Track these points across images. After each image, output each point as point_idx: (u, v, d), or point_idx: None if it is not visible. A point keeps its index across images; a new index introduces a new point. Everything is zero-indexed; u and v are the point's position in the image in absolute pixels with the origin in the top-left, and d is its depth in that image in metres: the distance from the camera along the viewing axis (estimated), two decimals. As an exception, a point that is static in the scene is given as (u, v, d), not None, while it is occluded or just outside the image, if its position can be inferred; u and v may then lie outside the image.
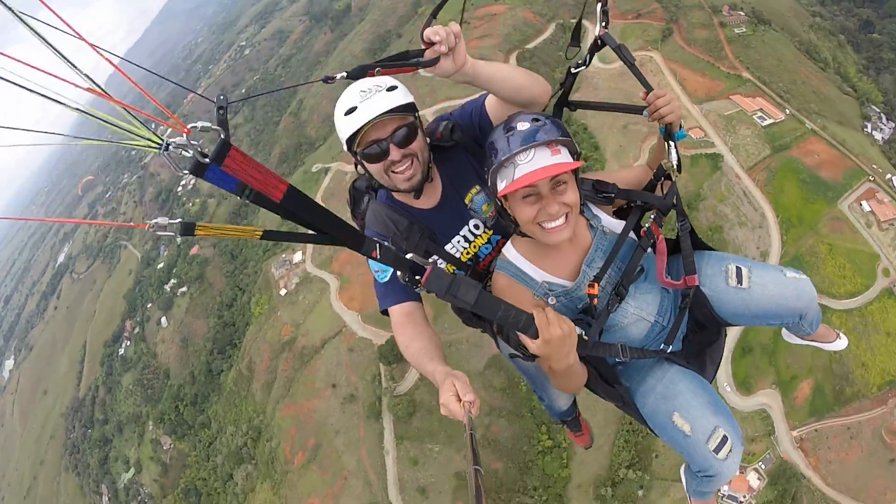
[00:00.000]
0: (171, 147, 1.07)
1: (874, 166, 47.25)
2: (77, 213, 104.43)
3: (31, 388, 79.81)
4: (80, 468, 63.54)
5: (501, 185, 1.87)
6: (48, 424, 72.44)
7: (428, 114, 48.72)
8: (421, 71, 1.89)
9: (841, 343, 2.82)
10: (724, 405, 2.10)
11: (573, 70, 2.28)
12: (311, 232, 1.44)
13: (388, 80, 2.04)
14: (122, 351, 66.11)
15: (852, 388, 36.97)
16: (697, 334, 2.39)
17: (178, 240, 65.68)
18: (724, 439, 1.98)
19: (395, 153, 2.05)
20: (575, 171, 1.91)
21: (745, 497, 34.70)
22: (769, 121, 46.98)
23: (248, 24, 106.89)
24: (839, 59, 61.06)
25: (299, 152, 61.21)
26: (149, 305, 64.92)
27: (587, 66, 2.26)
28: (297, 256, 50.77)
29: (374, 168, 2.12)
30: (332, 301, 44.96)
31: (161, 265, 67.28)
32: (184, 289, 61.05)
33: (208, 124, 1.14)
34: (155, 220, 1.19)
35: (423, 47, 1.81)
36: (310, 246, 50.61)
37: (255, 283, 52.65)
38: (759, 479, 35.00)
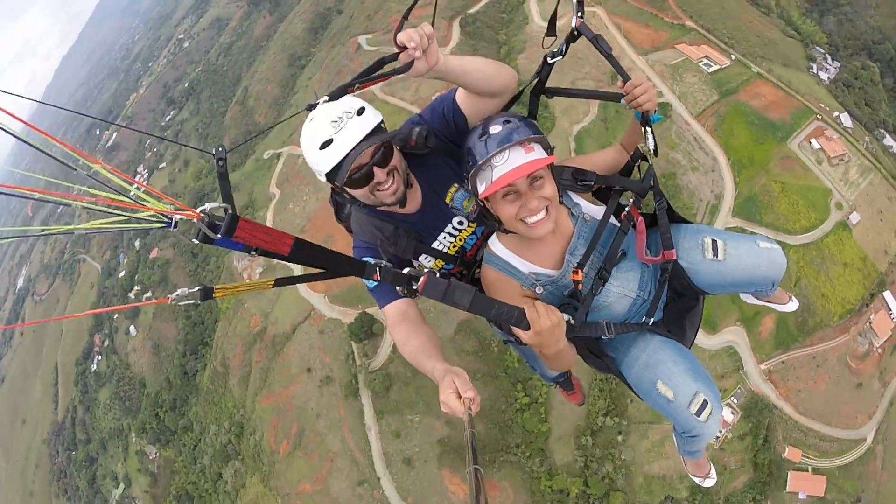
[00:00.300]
0: (178, 224, 1.13)
1: (821, 105, 48.51)
2: (29, 231, 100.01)
3: (9, 421, 77.25)
4: (69, 492, 62.31)
5: (482, 188, 1.94)
6: (31, 454, 70.67)
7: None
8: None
9: (792, 305, 2.96)
10: (704, 371, 2.24)
11: (550, 60, 2.30)
12: (316, 271, 1.54)
13: (356, 103, 2.00)
14: (94, 367, 64.44)
15: (814, 319, 38.39)
16: (677, 302, 2.51)
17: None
18: (705, 403, 2.12)
19: (379, 175, 2.06)
20: (550, 165, 1.97)
21: (721, 431, 36.12)
22: (715, 67, 47.68)
23: (184, 16, 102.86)
24: (782, 4, 62.05)
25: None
26: (115, 316, 63.21)
27: (563, 56, 2.26)
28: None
29: (360, 192, 2.11)
30: (298, 286, 44.28)
31: (122, 273, 65.34)
32: (148, 294, 59.37)
33: (216, 204, 1.18)
34: (176, 293, 1.27)
35: (395, 51, 1.82)
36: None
37: (220, 279, 51.59)
38: (732, 413, 36.37)
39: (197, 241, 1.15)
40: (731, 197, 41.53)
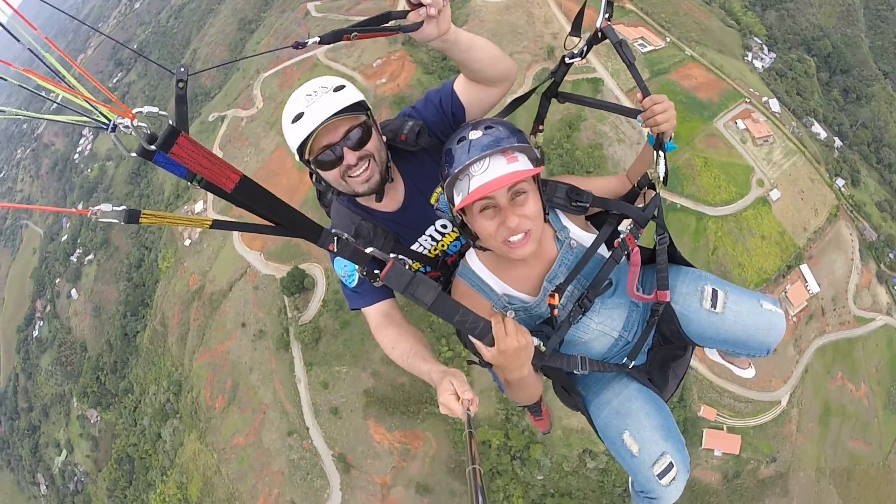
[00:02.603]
0: (118, 127, 1.03)
1: (751, 90, 51.14)
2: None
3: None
4: (12, 463, 61.65)
5: (458, 200, 1.74)
6: (-26, 427, 69.33)
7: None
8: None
9: (749, 372, 2.81)
10: (677, 431, 2.09)
11: (567, 60, 2.16)
12: (264, 222, 1.39)
13: (335, 80, 1.91)
14: (36, 332, 63.34)
15: None
16: (663, 348, 2.34)
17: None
18: (670, 466, 1.97)
19: (350, 157, 1.91)
20: (536, 180, 1.82)
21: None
22: (649, 48, 49.77)
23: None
24: (725, -6, 64.57)
25: (195, 103, 59.41)
26: (57, 280, 62.20)
27: (583, 58, 2.14)
28: (199, 206, 50.19)
29: (330, 175, 1.96)
30: (235, 245, 45.04)
31: (65, 237, 64.25)
32: (90, 257, 58.86)
33: (155, 110, 1.08)
34: (98, 207, 1.13)
35: (407, 8, 1.69)
36: (210, 194, 50.05)
37: (161, 240, 51.50)
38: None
39: (135, 154, 1.06)
40: (654, 168, 43.57)
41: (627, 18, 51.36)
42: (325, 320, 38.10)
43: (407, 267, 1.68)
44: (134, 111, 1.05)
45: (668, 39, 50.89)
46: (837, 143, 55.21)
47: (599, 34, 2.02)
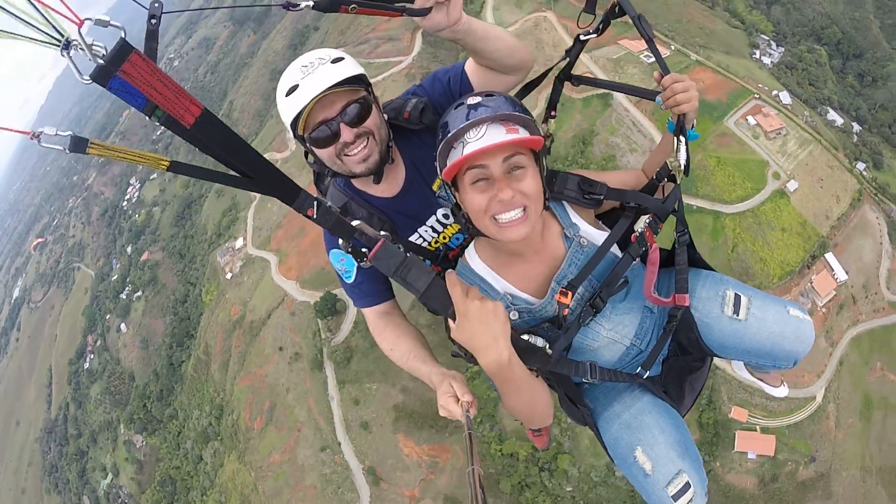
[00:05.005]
0: (72, 46, 0.90)
1: (760, 86, 51.23)
2: (24, 247, 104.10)
3: (4, 422, 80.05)
4: (60, 486, 64.70)
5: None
6: (24, 454, 73.31)
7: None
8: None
9: (783, 391, 2.70)
10: (695, 449, 1.91)
11: (582, 38, 2.07)
12: (234, 173, 1.25)
13: (333, 52, 1.80)
14: (86, 365, 67.42)
15: (753, 282, 38.97)
16: (679, 359, 2.17)
17: (134, 253, 66.43)
18: (687, 486, 1.77)
19: (346, 134, 1.77)
20: (538, 160, 1.66)
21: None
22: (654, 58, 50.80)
23: (175, 36, 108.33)
24: (728, -3, 65.32)
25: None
26: (107, 316, 66.35)
27: (599, 35, 2.05)
28: (239, 242, 53.78)
29: (325, 153, 1.83)
30: (273, 276, 47.98)
31: (115, 277, 68.86)
32: (139, 293, 62.95)
33: (107, 18, 0.94)
34: (41, 130, 1.00)
35: None
36: (250, 230, 53.60)
37: (204, 275, 54.99)
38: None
39: (89, 79, 0.93)
40: (667, 174, 44.11)
41: (631, 33, 52.44)
42: (356, 340, 39.83)
43: (399, 248, 1.52)
44: (83, 17, 0.92)
45: (672, 47, 51.96)
46: (856, 128, 54.19)
47: (616, 8, 1.95)
